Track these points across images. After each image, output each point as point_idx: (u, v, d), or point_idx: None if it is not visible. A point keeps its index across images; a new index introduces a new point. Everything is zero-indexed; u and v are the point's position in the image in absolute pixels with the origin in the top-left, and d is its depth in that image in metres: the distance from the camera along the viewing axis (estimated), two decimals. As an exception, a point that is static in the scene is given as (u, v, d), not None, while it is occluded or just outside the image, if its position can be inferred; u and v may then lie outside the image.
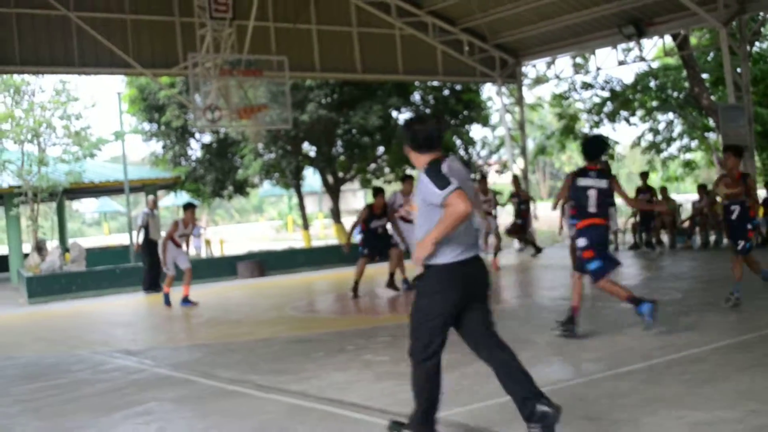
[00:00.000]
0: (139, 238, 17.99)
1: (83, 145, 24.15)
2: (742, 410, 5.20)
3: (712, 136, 26.39)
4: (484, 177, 19.28)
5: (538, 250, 18.87)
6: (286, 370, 7.82)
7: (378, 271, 14.70)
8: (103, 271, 19.30)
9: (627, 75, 71.12)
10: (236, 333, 10.93)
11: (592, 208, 8.02)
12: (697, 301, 10.17)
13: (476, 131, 65.96)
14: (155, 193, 25.92)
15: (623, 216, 20.46)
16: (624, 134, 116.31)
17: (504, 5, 20.40)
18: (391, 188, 27.15)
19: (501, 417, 5.47)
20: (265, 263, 20.41)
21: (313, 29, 20.28)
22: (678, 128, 27.80)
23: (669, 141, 27.94)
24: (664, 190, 19.47)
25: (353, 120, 25.30)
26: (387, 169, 28.29)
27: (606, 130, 28.70)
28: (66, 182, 23.60)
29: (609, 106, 27.56)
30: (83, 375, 8.53)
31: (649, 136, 28.13)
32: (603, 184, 8.05)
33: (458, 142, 28.63)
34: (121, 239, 40.30)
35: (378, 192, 13.74)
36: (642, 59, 22.33)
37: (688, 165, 28.40)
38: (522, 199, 18.67)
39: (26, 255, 24.24)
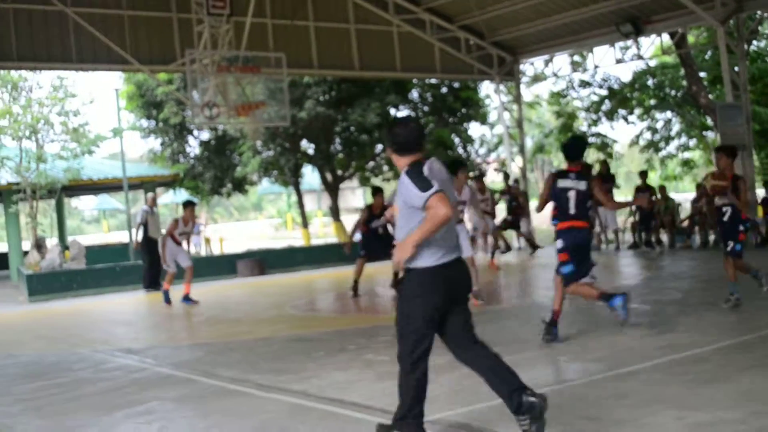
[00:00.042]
0: (138, 235, 17.98)
1: (81, 142, 24.14)
2: (744, 411, 5.22)
3: (710, 134, 26.42)
4: (481, 176, 19.28)
5: (535, 248, 18.90)
6: (286, 369, 7.83)
7: (378, 271, 14.71)
8: (103, 269, 19.29)
9: (625, 73, 71.26)
10: (236, 332, 10.94)
11: (572, 210, 8.01)
12: (697, 301, 10.18)
13: (474, 129, 65.88)
14: (154, 191, 25.93)
15: (623, 215, 20.47)
16: (622, 133, 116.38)
17: (501, 3, 20.38)
18: (390, 187, 27.19)
19: (502, 417, 5.48)
20: (265, 261, 20.41)
21: (310, 26, 20.25)
22: (676, 127, 27.82)
23: (667, 140, 27.96)
24: (662, 189, 19.49)
25: (351, 117, 25.29)
26: (386, 167, 28.30)
27: (604, 128, 28.79)
28: (64, 179, 23.59)
29: (607, 105, 27.60)
30: (84, 374, 8.54)
31: (648, 135, 28.15)
32: (582, 185, 8.03)
33: (456, 139, 28.65)
34: (121, 237, 40.26)
35: (377, 192, 13.76)
36: (640, 57, 22.33)
37: (687, 164, 28.43)
38: (513, 196, 18.71)
39: (26, 252, 24.23)
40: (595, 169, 19.69)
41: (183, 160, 28.88)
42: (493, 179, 34.12)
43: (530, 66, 24.58)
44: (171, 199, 39.50)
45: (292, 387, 7.01)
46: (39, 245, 22.84)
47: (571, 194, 8.01)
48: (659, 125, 27.99)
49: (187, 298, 14.36)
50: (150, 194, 19.81)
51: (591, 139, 28.74)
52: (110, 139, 26.53)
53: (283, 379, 7.38)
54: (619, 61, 22.25)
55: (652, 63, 26.77)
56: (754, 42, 24.14)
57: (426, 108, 28.19)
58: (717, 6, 17.77)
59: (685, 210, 20.21)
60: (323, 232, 41.25)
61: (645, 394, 5.84)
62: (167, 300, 14.48)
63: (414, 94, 27.99)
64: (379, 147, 27.51)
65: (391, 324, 10.24)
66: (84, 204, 57.74)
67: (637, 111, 27.74)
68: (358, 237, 14.00)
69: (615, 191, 19.15)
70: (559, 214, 8.12)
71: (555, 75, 25.44)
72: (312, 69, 20.78)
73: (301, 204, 31.46)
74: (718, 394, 5.68)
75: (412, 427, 4.90)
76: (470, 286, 5.11)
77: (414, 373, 4.87)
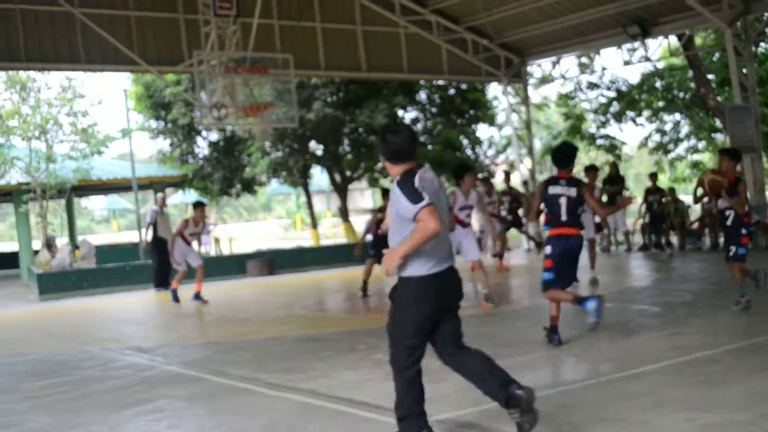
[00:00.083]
0: (147, 235, 18.04)
1: (90, 143, 24.23)
2: (754, 413, 5.21)
3: (719, 137, 26.33)
4: (488, 178, 19.27)
5: (540, 245, 18.89)
6: (295, 368, 7.84)
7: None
8: (113, 269, 19.36)
9: (633, 75, 71.01)
10: (246, 331, 10.96)
11: (563, 217, 8.00)
12: (707, 303, 10.16)
13: (483, 131, 65.71)
14: (163, 191, 25.98)
15: (632, 217, 20.43)
16: (631, 135, 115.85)
17: (508, 4, 20.35)
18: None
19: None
20: (274, 262, 20.45)
21: (317, 27, 20.25)
22: (685, 129, 27.72)
23: (676, 142, 27.86)
24: (672, 191, 19.45)
25: (359, 119, 25.30)
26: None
27: (613, 130, 28.71)
28: (74, 179, 23.68)
29: (615, 106, 27.52)
30: (94, 372, 8.57)
31: (656, 137, 28.06)
32: (573, 192, 8.02)
33: (465, 141, 28.63)
34: (131, 236, 40.37)
35: (387, 194, 13.77)
36: (647, 59, 22.29)
37: (696, 166, 28.33)
38: (513, 197, 18.74)
39: (36, 252, 24.32)
40: (604, 172, 19.71)
41: (192, 160, 28.93)
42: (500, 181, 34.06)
43: (537, 68, 24.57)
44: (180, 200, 39.56)
45: (301, 386, 7.02)
46: (49, 245, 22.94)
47: (562, 201, 8.01)
48: (668, 127, 27.90)
49: (198, 296, 14.41)
50: (160, 194, 19.86)
51: (599, 141, 28.71)
52: (119, 140, 26.68)
53: (292, 378, 7.39)
54: (626, 63, 22.22)
55: (660, 65, 26.70)
56: (762, 44, 24.05)
57: (434, 109, 28.19)
58: (724, 8, 17.73)
59: (695, 212, 20.14)
60: (332, 233, 41.28)
61: (655, 395, 5.83)
62: (175, 298, 14.56)
63: (422, 95, 27.98)
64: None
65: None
66: (94, 204, 57.94)
67: (646, 113, 27.65)
68: (369, 238, 14.06)
69: (625, 193, 19.13)
70: (551, 221, 8.12)
71: (563, 77, 25.40)
72: (319, 70, 20.80)
73: (310, 205, 31.49)
74: (728, 396, 5.66)
75: (415, 427, 4.92)
76: (461, 295, 5.13)
77: (409, 376, 4.92)
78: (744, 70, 18.16)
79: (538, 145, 31.22)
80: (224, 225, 53.61)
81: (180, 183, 30.42)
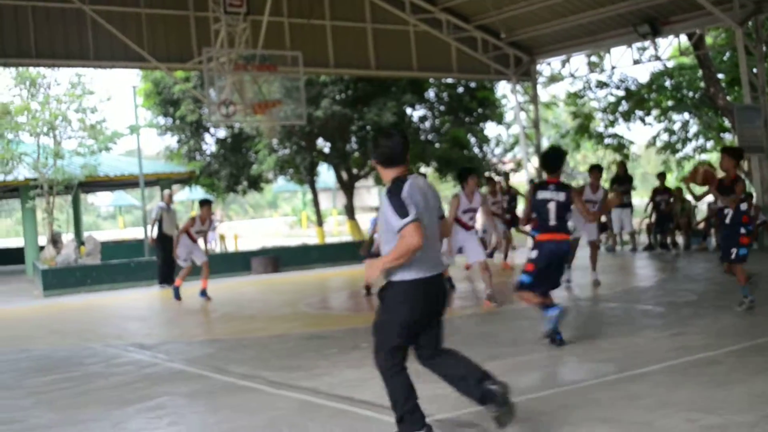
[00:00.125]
0: (153, 232, 18.08)
1: (98, 139, 24.28)
2: (757, 414, 5.18)
3: (728, 136, 26.24)
4: (491, 178, 19.27)
5: None
6: (298, 366, 7.83)
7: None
8: (117, 265, 19.39)
9: (642, 74, 70.87)
10: (249, 329, 10.96)
11: (552, 221, 7.99)
12: (711, 304, 10.12)
13: (490, 129, 65.74)
14: (170, 188, 26.00)
15: (638, 217, 20.37)
16: (639, 134, 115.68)
17: (518, 3, 20.32)
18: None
19: (519, 415, 5.47)
20: (279, 259, 20.46)
21: (327, 25, 20.27)
22: (693, 128, 27.61)
23: (684, 141, 27.75)
24: (679, 191, 19.39)
25: (367, 116, 25.28)
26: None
27: (621, 129, 28.61)
28: (81, 175, 23.73)
29: (624, 106, 27.44)
30: (96, 368, 8.58)
31: (665, 136, 27.96)
32: (561, 197, 8.01)
33: (473, 139, 28.59)
34: (136, 233, 40.46)
35: None
36: (657, 58, 22.22)
37: (703, 166, 28.19)
38: (512, 196, 18.72)
39: (42, 247, 24.37)
40: (611, 171, 19.63)
41: (199, 157, 28.97)
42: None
43: (547, 66, 24.53)
44: (187, 196, 39.63)
45: (302, 384, 7.01)
46: (55, 240, 22.97)
47: (551, 206, 8.00)
48: (676, 127, 27.80)
49: (204, 293, 14.42)
50: (166, 191, 19.85)
51: (607, 140, 28.62)
52: (127, 136, 26.69)
53: (294, 376, 7.38)
54: (636, 62, 22.16)
55: (670, 64, 26.61)
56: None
57: (442, 108, 28.15)
58: (735, 7, 17.66)
59: (701, 212, 20.09)
60: (338, 231, 41.31)
61: (657, 395, 5.81)
62: (177, 296, 14.54)
63: (430, 93, 27.95)
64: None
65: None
66: (100, 200, 58.11)
67: (654, 112, 27.57)
68: (376, 237, 14.02)
69: (632, 193, 19.08)
70: (539, 226, 8.10)
71: (572, 75, 25.34)
72: (328, 68, 20.81)
73: (316, 202, 31.51)
74: (731, 397, 5.63)
75: (414, 425, 4.93)
76: (447, 302, 5.16)
77: (397, 376, 4.95)
78: (754, 70, 18.09)
79: (545, 143, 31.16)
80: (230, 222, 53.71)
81: (187, 180, 30.46)
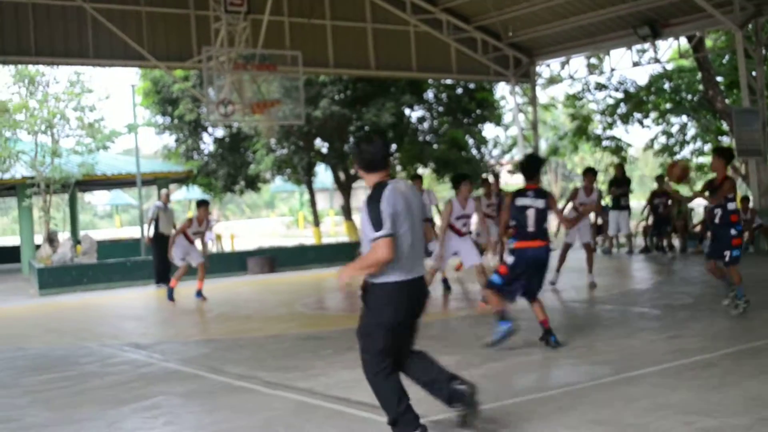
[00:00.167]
0: (149, 231, 18.05)
1: (96, 137, 24.22)
2: (752, 417, 5.18)
3: (725, 139, 26.25)
4: (486, 180, 19.26)
5: None
6: (294, 366, 7.83)
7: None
8: (114, 264, 19.35)
9: (641, 76, 71.02)
10: (246, 329, 10.94)
11: (531, 228, 7.99)
12: (708, 307, 10.11)
13: (489, 130, 65.91)
14: (167, 187, 25.96)
15: (635, 219, 20.38)
16: (637, 136, 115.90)
17: (518, 4, 20.35)
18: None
19: (506, 416, 5.47)
20: (276, 259, 20.43)
21: (327, 25, 20.29)
22: (691, 131, 27.64)
23: (682, 144, 27.78)
24: (677, 193, 19.34)
25: (366, 117, 25.26)
26: (399, 167, 28.28)
27: (619, 131, 28.64)
28: (78, 174, 23.68)
29: (622, 108, 27.46)
30: (92, 367, 8.56)
31: (663, 139, 27.99)
32: (540, 203, 8.02)
33: (471, 141, 28.58)
34: (133, 232, 40.41)
35: None
36: (656, 61, 22.23)
37: (701, 169, 28.24)
38: (501, 199, 18.72)
39: (38, 246, 24.33)
40: (609, 173, 19.64)
41: (197, 156, 28.92)
42: (506, 181, 34.00)
43: (546, 68, 24.54)
44: (184, 196, 39.57)
45: (298, 385, 7.01)
46: (51, 239, 22.92)
47: (530, 212, 8.00)
48: (674, 129, 27.83)
49: (199, 293, 14.39)
50: (164, 191, 19.81)
51: (605, 143, 28.64)
52: (125, 135, 26.62)
53: (290, 376, 7.38)
54: (635, 64, 22.18)
55: (669, 66, 26.64)
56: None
57: (441, 108, 28.13)
58: (735, 10, 17.69)
59: (698, 215, 20.09)
60: (334, 231, 41.26)
61: (653, 398, 5.81)
62: (170, 297, 14.41)
63: (429, 94, 27.92)
64: (393, 147, 27.45)
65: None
66: (97, 199, 57.99)
67: (653, 115, 27.59)
68: None
69: (630, 195, 19.08)
70: (518, 234, 8.07)
71: (571, 77, 25.37)
72: (328, 68, 20.83)
73: (313, 202, 31.47)
74: (726, 400, 5.64)
75: (408, 426, 4.94)
76: (425, 304, 5.20)
77: (388, 379, 4.97)
78: (753, 73, 18.11)
79: (544, 145, 31.20)
80: (226, 222, 53.65)
81: (184, 179, 30.41)
